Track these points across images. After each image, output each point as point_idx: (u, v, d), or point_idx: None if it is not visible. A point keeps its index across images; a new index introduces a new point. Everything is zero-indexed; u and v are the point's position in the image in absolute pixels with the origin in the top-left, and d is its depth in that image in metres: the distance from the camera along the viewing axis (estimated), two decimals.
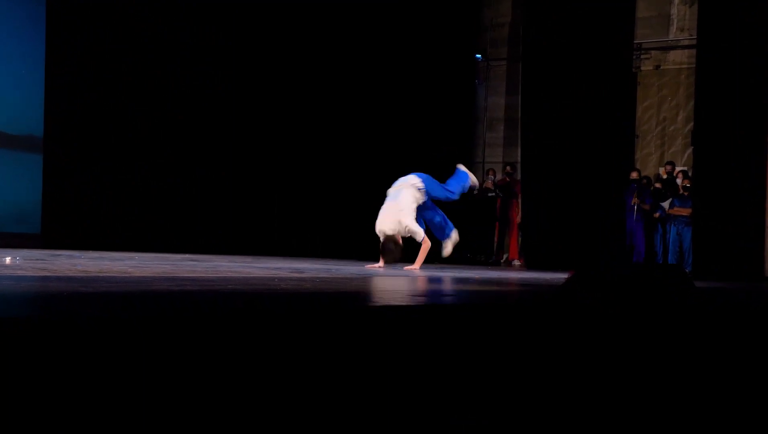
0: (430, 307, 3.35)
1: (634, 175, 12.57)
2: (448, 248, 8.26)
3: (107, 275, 4.21)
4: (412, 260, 7.93)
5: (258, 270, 5.77)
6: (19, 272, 4.24)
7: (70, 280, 3.69)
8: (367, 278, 5.56)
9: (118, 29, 10.64)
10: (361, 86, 13.08)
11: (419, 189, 7.82)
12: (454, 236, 8.23)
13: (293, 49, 12.24)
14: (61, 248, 8.98)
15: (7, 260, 5.49)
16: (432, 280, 6.08)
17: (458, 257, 10.50)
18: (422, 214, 8.03)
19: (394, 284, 5.02)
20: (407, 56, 13.40)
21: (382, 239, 7.72)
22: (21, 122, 10.11)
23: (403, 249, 7.96)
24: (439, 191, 8.12)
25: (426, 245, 7.70)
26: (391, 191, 7.93)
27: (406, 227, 7.60)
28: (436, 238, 8.33)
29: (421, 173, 8.07)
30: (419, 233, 7.65)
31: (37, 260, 5.87)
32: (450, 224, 8.28)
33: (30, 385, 1.88)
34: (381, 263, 7.80)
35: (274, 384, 2.26)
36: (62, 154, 10.35)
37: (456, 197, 8.31)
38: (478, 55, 15.43)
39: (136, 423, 2.01)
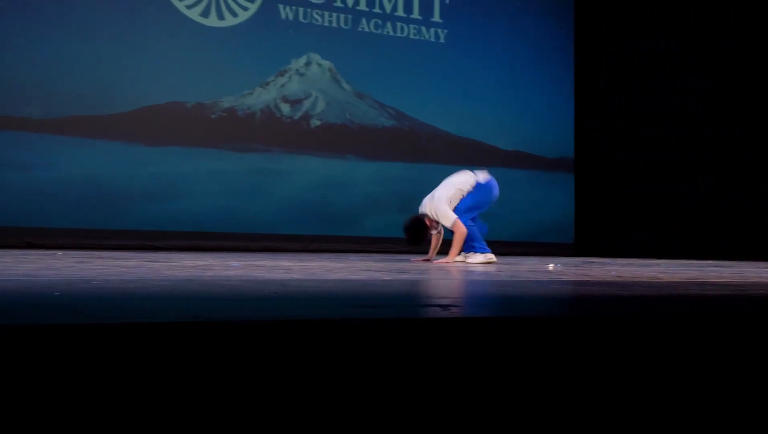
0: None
1: None
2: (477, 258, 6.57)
3: (639, 280, 4.13)
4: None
5: None
6: (563, 277, 4.42)
7: (609, 285, 3.73)
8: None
9: (643, 58, 10.71)
10: None
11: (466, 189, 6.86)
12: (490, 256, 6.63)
13: None
14: (592, 256, 9.30)
15: (551, 266, 5.65)
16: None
17: None
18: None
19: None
20: None
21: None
22: (556, 147, 10.71)
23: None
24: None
25: (461, 233, 6.42)
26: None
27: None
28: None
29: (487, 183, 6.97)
30: (449, 217, 6.47)
31: (575, 266, 6.11)
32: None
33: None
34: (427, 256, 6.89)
35: None
36: (592, 173, 10.68)
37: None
38: None
39: None
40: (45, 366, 1.63)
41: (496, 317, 2.17)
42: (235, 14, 9.07)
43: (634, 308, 2.51)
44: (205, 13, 8.87)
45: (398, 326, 1.89)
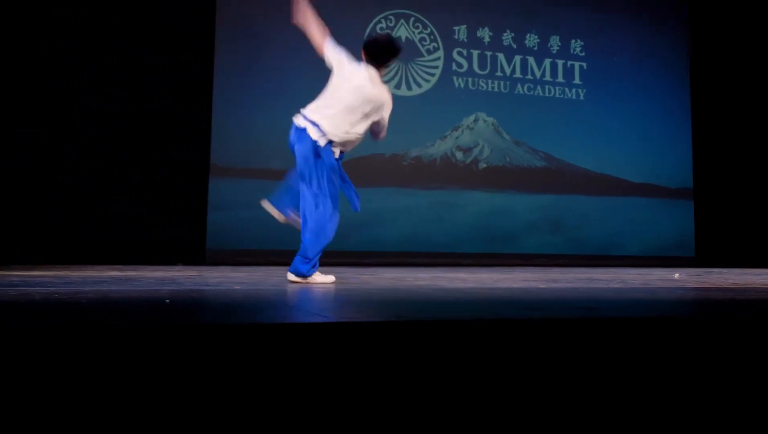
0: None
1: None
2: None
3: (756, 287, 4.00)
4: None
5: None
6: (687, 285, 4.30)
7: (726, 291, 3.61)
8: None
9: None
10: None
11: None
12: None
13: None
14: (711, 267, 8.98)
15: (676, 275, 5.54)
16: None
17: None
18: None
19: None
20: None
21: None
22: (675, 178, 10.34)
23: None
24: None
25: None
26: None
27: None
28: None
29: None
30: None
31: (696, 275, 5.90)
32: None
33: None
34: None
35: None
36: (710, 199, 10.30)
37: None
38: None
39: None
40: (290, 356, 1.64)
41: (635, 318, 2.12)
42: (420, 86, 9.26)
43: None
44: (398, 86, 9.11)
45: (551, 324, 1.89)
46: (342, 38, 8.68)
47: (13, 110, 7.46)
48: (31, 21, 7.58)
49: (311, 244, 3.90)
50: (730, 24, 10.45)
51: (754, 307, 2.54)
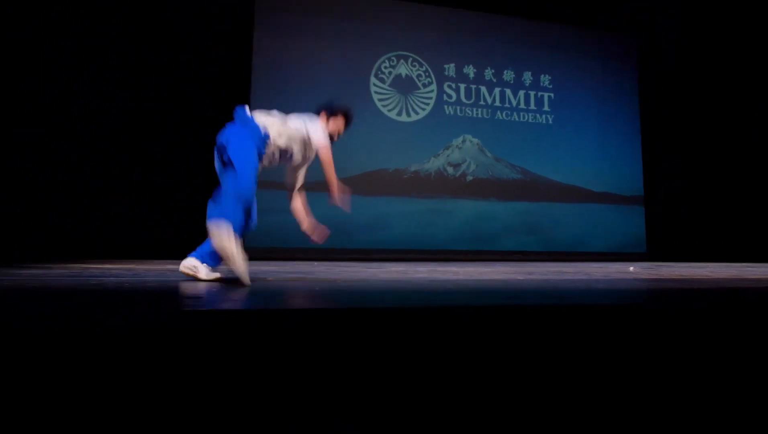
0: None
1: None
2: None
3: (699, 278, 3.89)
4: None
5: None
6: (641, 276, 4.17)
7: (674, 281, 3.56)
8: None
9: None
10: None
11: None
12: None
13: None
14: (660, 261, 8.82)
15: (631, 268, 5.32)
16: None
17: None
18: None
19: None
20: None
21: None
22: (629, 188, 10.27)
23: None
24: None
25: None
26: None
27: None
28: None
29: None
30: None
31: (648, 268, 5.74)
32: None
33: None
34: None
35: None
36: (658, 204, 10.11)
37: None
38: None
39: None
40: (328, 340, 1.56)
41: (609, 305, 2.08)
42: (417, 113, 9.23)
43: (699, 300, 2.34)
44: (400, 113, 9.08)
45: (529, 312, 1.86)
46: (351, 74, 8.71)
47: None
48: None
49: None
50: (672, 63, 10.41)
51: (700, 295, 2.50)
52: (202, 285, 2.72)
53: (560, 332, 1.75)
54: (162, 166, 7.13)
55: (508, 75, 9.80)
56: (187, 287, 2.59)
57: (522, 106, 9.82)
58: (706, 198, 10.04)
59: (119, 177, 6.93)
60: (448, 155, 9.35)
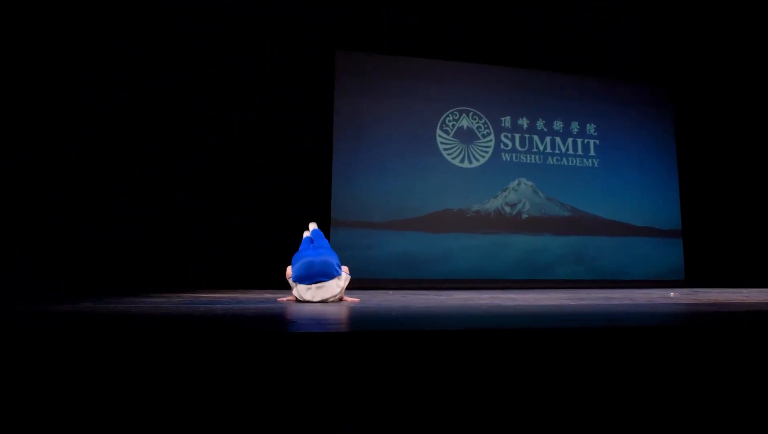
0: None
1: None
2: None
3: (734, 302, 3.72)
4: None
5: None
6: (681, 301, 4.06)
7: (712, 304, 3.40)
8: None
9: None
10: None
11: None
12: None
13: None
14: (698, 287, 8.47)
15: (672, 294, 5.17)
16: None
17: None
18: None
19: None
20: None
21: None
22: (667, 222, 9.96)
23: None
24: None
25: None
26: None
27: None
28: None
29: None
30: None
31: (687, 294, 5.43)
32: None
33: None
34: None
35: None
36: (694, 236, 9.80)
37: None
38: None
39: None
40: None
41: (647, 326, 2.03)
42: (478, 160, 9.34)
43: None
44: (462, 160, 9.21)
45: (580, 333, 1.82)
46: (419, 127, 8.89)
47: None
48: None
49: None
50: (706, 110, 10.14)
51: (735, 317, 2.47)
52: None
53: (611, 350, 1.77)
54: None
55: (558, 125, 9.80)
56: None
57: (570, 152, 9.78)
58: (739, 229, 9.63)
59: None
60: (505, 196, 9.38)
